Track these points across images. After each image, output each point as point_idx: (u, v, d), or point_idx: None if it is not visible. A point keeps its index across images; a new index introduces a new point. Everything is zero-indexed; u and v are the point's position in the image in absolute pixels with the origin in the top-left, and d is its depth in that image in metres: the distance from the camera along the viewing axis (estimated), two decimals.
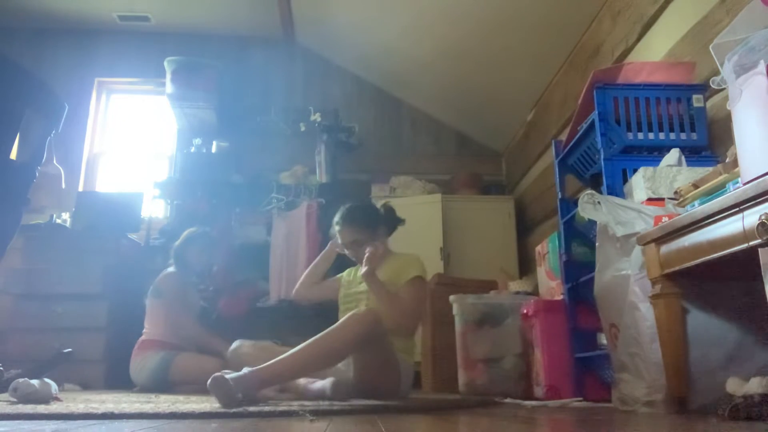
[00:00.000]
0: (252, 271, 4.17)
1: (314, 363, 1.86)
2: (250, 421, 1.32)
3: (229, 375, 1.64)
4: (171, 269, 3.21)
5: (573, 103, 2.70)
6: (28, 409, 1.46)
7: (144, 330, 3.14)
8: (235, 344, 2.28)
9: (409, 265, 2.28)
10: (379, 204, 2.49)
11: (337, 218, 2.36)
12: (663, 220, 1.55)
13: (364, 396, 1.99)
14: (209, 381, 1.59)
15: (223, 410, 1.46)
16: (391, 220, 2.43)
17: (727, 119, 1.88)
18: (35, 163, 1.80)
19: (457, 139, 5.01)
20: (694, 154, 2.02)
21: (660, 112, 2.07)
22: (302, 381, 2.00)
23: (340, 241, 2.36)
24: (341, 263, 2.58)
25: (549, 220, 3.79)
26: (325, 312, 2.64)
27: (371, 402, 1.85)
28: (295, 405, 1.62)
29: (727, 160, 1.53)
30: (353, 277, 2.43)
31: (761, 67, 1.22)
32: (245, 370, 1.72)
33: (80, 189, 4.55)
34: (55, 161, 3.64)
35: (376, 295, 2.17)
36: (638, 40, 2.63)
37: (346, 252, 2.37)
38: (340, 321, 1.91)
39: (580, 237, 2.44)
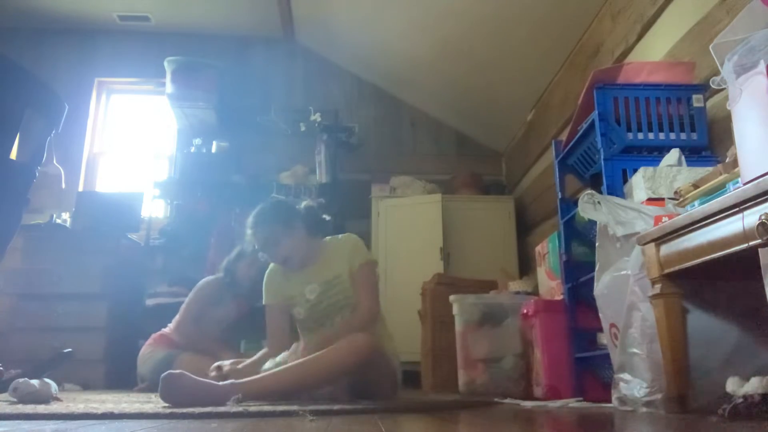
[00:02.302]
0: None
1: (304, 384, 1.82)
2: (250, 421, 1.32)
3: (203, 380, 1.64)
4: (216, 276, 3.17)
5: (573, 103, 2.70)
6: (28, 409, 1.46)
7: (168, 324, 3.13)
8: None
9: (354, 250, 2.15)
10: (302, 204, 2.29)
11: (248, 221, 2.18)
12: (663, 220, 1.55)
13: (361, 396, 1.99)
14: (162, 376, 1.57)
15: (223, 410, 1.46)
16: (312, 219, 2.22)
17: (727, 119, 1.88)
18: (35, 163, 1.80)
19: (457, 139, 5.01)
20: (694, 154, 2.02)
21: (660, 112, 2.07)
22: None
23: (256, 245, 2.18)
24: None
25: (549, 220, 3.79)
26: None
27: (371, 402, 1.85)
28: (294, 405, 1.62)
29: (727, 160, 1.53)
30: (299, 289, 2.19)
31: (761, 67, 1.22)
32: (229, 381, 1.69)
33: (80, 189, 4.55)
34: (55, 161, 3.65)
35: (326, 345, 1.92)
36: (638, 40, 2.63)
37: (266, 256, 2.20)
38: (337, 345, 1.84)
39: (580, 237, 2.44)
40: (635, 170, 1.93)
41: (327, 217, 2.30)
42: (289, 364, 1.83)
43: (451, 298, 2.97)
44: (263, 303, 2.26)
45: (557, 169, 2.62)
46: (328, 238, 2.27)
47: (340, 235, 2.27)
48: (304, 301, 2.18)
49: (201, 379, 1.66)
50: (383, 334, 2.18)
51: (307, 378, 1.81)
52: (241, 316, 3.20)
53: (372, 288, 2.15)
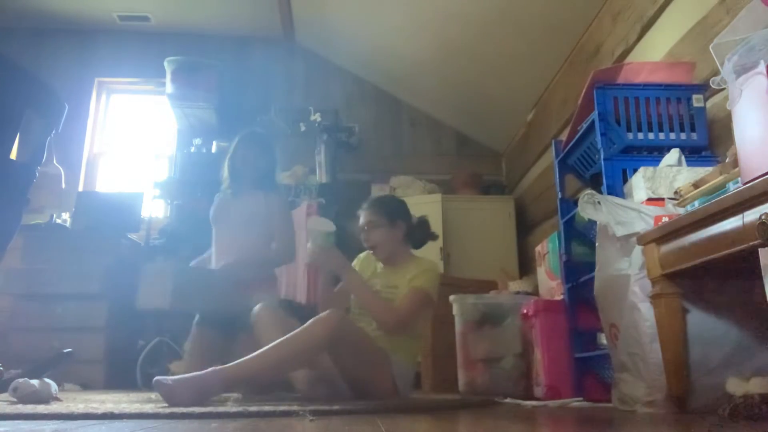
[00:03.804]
0: None
1: (280, 366, 1.85)
2: (250, 421, 1.32)
3: (186, 375, 1.65)
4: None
5: (573, 103, 2.70)
6: (28, 409, 1.46)
7: None
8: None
9: (422, 274, 2.23)
10: (417, 216, 2.45)
11: (365, 202, 2.43)
12: (663, 220, 1.55)
13: (359, 397, 1.99)
14: (153, 384, 1.59)
15: (223, 410, 1.46)
16: (421, 232, 2.40)
17: (727, 119, 1.88)
18: (35, 163, 1.80)
19: (457, 139, 5.01)
20: (694, 154, 2.02)
21: (660, 112, 2.07)
22: None
23: (361, 221, 2.36)
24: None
25: (549, 220, 3.79)
26: None
27: (371, 402, 1.85)
28: (295, 405, 1.62)
29: (727, 160, 1.53)
30: (367, 273, 2.40)
31: (761, 67, 1.22)
32: (210, 369, 1.70)
33: (80, 189, 4.55)
34: (55, 161, 3.65)
35: (358, 295, 2.18)
36: (638, 40, 2.63)
37: (361, 236, 2.37)
38: (306, 324, 1.89)
39: (580, 237, 2.44)
40: (635, 170, 1.93)
41: (436, 234, 2.46)
42: (265, 348, 1.84)
43: (451, 298, 2.97)
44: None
45: (557, 169, 2.62)
46: (417, 254, 2.38)
47: (424, 259, 2.36)
48: None
49: (184, 375, 1.67)
50: (405, 346, 2.18)
51: (286, 356, 1.82)
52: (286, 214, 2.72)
53: (405, 308, 2.16)
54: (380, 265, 2.39)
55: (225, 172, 2.78)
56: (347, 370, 1.99)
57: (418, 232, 2.39)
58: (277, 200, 2.70)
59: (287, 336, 1.85)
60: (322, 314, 1.91)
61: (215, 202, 2.81)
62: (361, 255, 2.48)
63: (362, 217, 2.37)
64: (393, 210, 2.36)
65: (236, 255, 2.54)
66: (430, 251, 4.01)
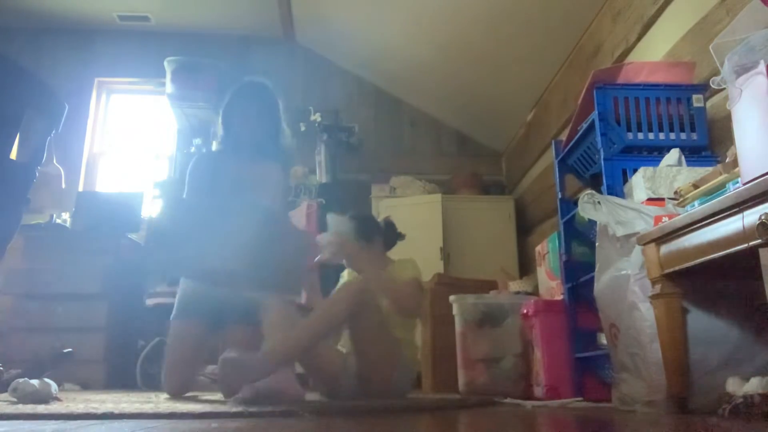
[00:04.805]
0: None
1: (318, 333, 1.93)
2: (250, 421, 1.32)
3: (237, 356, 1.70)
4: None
5: (573, 103, 2.70)
6: (28, 409, 1.46)
7: None
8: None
9: (405, 269, 2.28)
10: (380, 217, 2.49)
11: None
12: (663, 220, 1.55)
13: (362, 376, 2.01)
14: (220, 361, 1.64)
15: (223, 410, 1.46)
16: (390, 235, 2.45)
17: (727, 119, 1.88)
18: (35, 163, 1.80)
19: (457, 139, 5.01)
20: (694, 154, 2.02)
21: (660, 112, 2.07)
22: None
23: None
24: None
25: (549, 220, 3.80)
26: None
27: (371, 402, 1.85)
28: (295, 405, 1.62)
29: (727, 160, 1.53)
30: None
31: (761, 67, 1.22)
32: (260, 352, 1.77)
33: (80, 189, 4.55)
34: (55, 161, 3.65)
35: (377, 286, 2.17)
36: (638, 40, 2.63)
37: (344, 262, 2.37)
38: (334, 293, 2.03)
39: (580, 237, 2.44)
40: (635, 170, 1.93)
41: (403, 234, 2.47)
42: (303, 321, 1.95)
43: (451, 298, 2.97)
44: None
45: (557, 169, 2.62)
46: (396, 259, 2.40)
47: (402, 258, 2.37)
48: None
49: (248, 355, 1.73)
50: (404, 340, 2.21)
51: (318, 328, 1.92)
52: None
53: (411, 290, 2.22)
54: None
55: (219, 129, 2.41)
56: (361, 344, 2.03)
57: (387, 236, 2.44)
58: (282, 171, 2.43)
59: (320, 306, 1.97)
60: (345, 282, 2.03)
61: (203, 163, 2.37)
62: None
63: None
64: (367, 231, 2.37)
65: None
66: (431, 251, 4.03)
